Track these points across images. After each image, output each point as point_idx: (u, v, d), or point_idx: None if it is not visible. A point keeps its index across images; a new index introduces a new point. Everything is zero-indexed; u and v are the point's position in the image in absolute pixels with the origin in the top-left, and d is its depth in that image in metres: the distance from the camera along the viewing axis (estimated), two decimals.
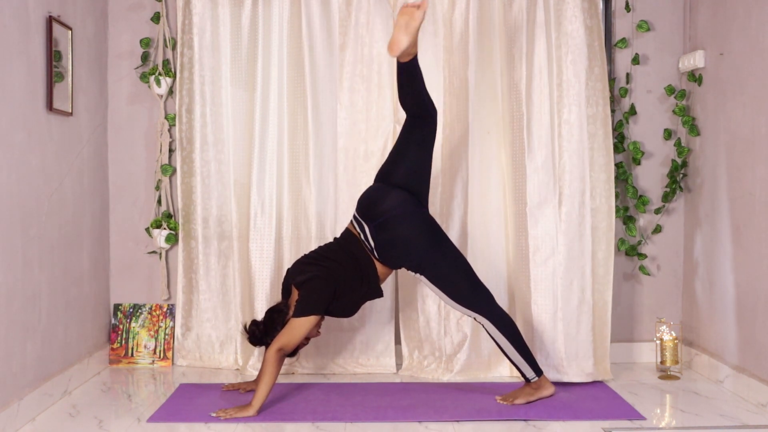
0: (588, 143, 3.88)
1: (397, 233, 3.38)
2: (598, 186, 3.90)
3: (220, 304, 4.14)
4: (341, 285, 3.38)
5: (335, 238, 3.60)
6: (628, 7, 4.15)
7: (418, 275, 3.44)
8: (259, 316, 3.96)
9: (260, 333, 3.41)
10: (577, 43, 3.90)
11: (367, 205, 3.43)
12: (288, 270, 3.52)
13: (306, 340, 3.45)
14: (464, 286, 3.40)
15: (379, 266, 3.45)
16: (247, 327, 3.46)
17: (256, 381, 3.50)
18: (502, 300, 3.97)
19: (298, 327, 3.28)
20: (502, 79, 3.98)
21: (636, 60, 4.18)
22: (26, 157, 3.24)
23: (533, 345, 3.87)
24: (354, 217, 3.49)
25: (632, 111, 4.15)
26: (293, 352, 3.38)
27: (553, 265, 3.86)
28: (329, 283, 3.36)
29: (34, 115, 3.33)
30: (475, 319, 3.44)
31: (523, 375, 3.44)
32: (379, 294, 3.49)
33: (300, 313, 3.30)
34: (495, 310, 3.41)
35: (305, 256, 3.55)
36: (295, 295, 3.41)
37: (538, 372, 3.43)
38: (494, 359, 3.98)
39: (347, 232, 3.52)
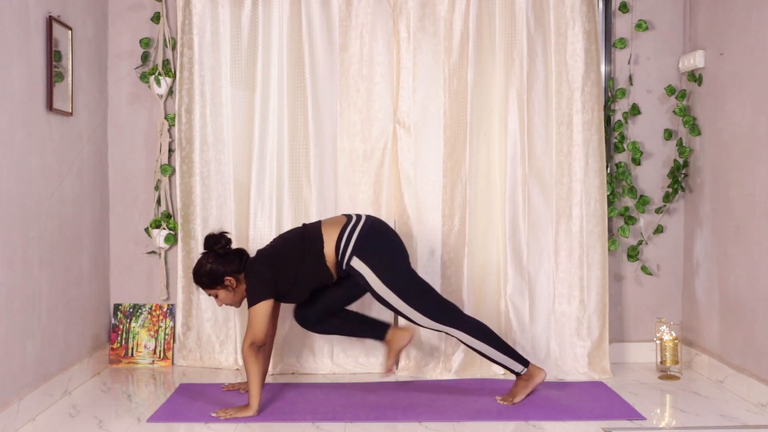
0: (583, 149, 3.94)
1: (389, 233, 3.48)
2: (593, 191, 3.95)
3: None
4: (280, 260, 3.36)
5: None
6: (624, 8, 4.16)
7: (386, 293, 3.37)
8: None
9: (206, 276, 3.37)
10: (576, 48, 3.95)
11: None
12: None
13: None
14: (433, 303, 3.42)
15: (327, 245, 3.37)
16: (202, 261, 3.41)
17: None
18: (498, 300, 3.99)
19: (255, 316, 3.27)
20: (501, 82, 4.00)
21: (636, 60, 4.18)
22: (26, 157, 3.24)
23: (530, 345, 3.90)
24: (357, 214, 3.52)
25: (633, 110, 4.15)
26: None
27: (550, 267, 3.97)
28: (266, 262, 3.35)
29: (34, 115, 3.33)
30: (448, 333, 3.44)
31: (511, 371, 3.46)
32: (329, 277, 3.43)
33: (251, 301, 3.30)
34: (465, 319, 3.44)
35: None
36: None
37: (525, 363, 3.45)
38: None
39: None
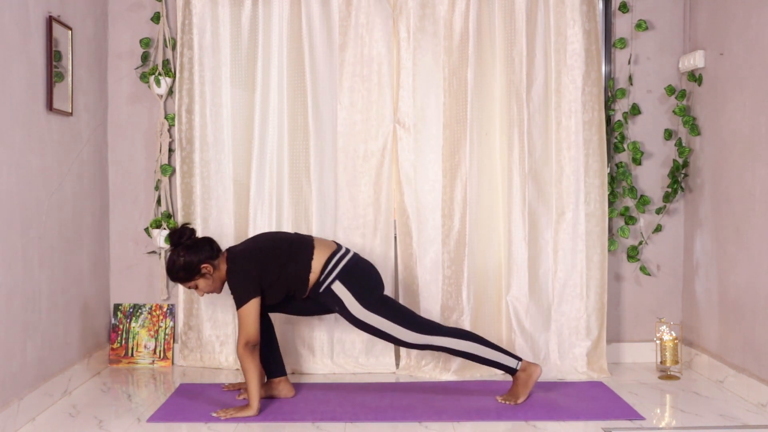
0: (584, 149, 3.96)
1: (372, 269, 3.50)
2: (593, 191, 3.97)
3: (221, 304, 4.14)
4: (267, 256, 3.36)
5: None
6: (624, 8, 4.16)
7: (366, 316, 3.37)
8: None
9: (182, 270, 3.35)
10: (575, 48, 3.96)
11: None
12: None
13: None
14: (415, 317, 3.43)
15: (316, 259, 3.38)
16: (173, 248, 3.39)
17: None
18: (498, 300, 4.00)
19: (246, 316, 3.27)
20: (501, 81, 4.00)
21: (636, 60, 4.18)
22: (26, 157, 3.24)
23: (529, 345, 3.92)
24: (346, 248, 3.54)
25: (634, 110, 4.16)
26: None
27: (549, 267, 3.98)
28: (251, 259, 3.35)
29: (34, 115, 3.33)
30: (435, 346, 3.41)
31: (507, 369, 3.44)
32: (302, 290, 3.41)
33: (239, 303, 3.29)
34: (449, 328, 3.45)
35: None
36: (223, 260, 3.39)
37: (518, 357, 3.46)
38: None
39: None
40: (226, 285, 3.47)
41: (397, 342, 3.41)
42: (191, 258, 3.34)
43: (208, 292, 3.44)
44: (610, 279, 4.20)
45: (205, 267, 3.35)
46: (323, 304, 3.47)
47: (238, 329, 3.29)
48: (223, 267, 3.39)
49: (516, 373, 3.44)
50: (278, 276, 3.36)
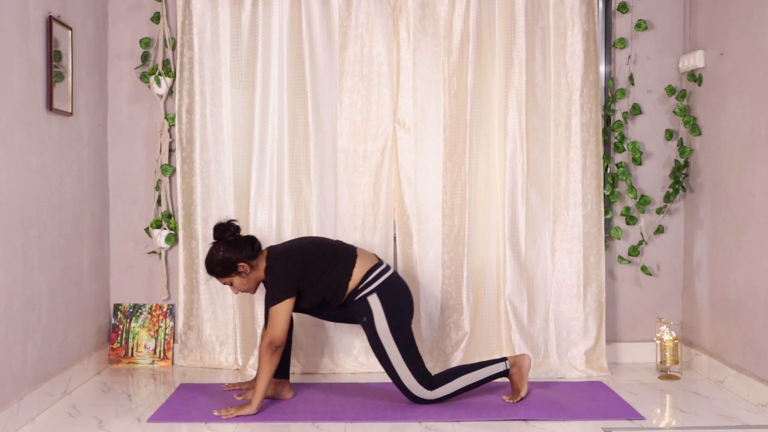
0: (581, 150, 3.96)
1: (409, 293, 3.47)
2: (590, 192, 3.98)
3: (221, 304, 4.14)
4: (310, 260, 3.35)
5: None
6: (623, 8, 4.16)
7: (386, 338, 3.33)
8: (260, 317, 3.97)
9: (219, 266, 3.36)
10: (575, 49, 3.97)
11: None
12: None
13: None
14: (422, 365, 3.38)
15: (357, 268, 3.36)
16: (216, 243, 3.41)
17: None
18: (497, 300, 4.00)
19: (278, 314, 3.26)
20: (501, 82, 4.00)
21: (636, 60, 4.19)
22: (26, 157, 3.24)
23: (528, 345, 3.92)
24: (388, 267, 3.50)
25: (634, 110, 4.16)
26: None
27: (548, 267, 3.99)
28: (294, 260, 3.34)
29: (34, 115, 3.33)
30: (438, 399, 3.38)
31: (500, 375, 3.44)
32: (338, 297, 3.39)
33: (273, 300, 3.28)
34: (441, 375, 3.41)
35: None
36: (262, 259, 3.39)
37: (502, 359, 3.44)
38: (490, 357, 3.98)
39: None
40: (260, 286, 3.47)
41: (407, 392, 3.36)
42: (230, 255, 3.34)
43: (242, 291, 3.44)
44: (609, 279, 4.20)
45: (242, 266, 3.35)
46: (352, 313, 3.45)
47: (267, 326, 3.27)
48: (262, 266, 3.38)
49: (509, 372, 3.44)
50: (317, 280, 3.35)
